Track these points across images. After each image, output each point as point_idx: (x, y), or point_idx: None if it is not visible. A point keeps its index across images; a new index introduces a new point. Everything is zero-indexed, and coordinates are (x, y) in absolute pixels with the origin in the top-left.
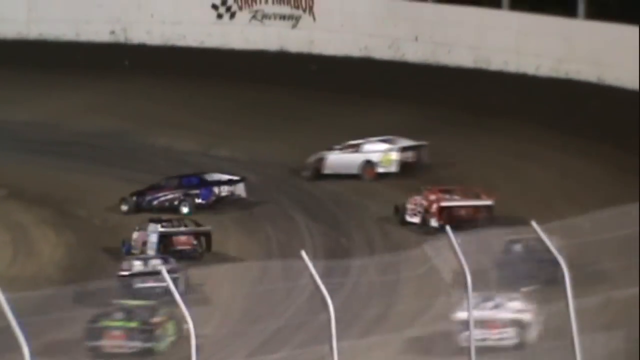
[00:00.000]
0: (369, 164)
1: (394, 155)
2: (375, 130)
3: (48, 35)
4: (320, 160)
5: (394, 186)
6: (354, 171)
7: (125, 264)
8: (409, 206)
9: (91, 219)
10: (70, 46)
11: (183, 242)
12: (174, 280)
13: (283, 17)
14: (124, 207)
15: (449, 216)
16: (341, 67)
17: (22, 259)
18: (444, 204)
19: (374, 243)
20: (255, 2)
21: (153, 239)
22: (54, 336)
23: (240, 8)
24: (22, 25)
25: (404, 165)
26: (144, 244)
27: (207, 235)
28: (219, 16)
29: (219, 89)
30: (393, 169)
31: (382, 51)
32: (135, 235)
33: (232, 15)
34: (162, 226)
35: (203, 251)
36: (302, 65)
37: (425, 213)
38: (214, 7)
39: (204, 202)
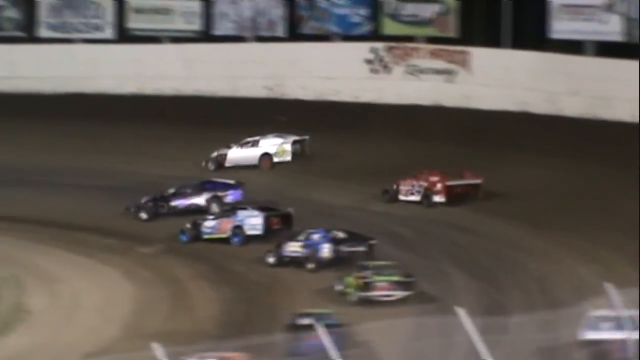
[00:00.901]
0: (266, 155)
1: (288, 147)
2: (531, 184)
3: (204, 91)
4: (222, 155)
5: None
6: (254, 162)
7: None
8: (403, 187)
9: (248, 274)
10: (226, 102)
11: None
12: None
13: (438, 72)
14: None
15: (451, 193)
16: (497, 122)
17: (179, 314)
18: (449, 183)
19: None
20: (410, 57)
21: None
22: None
23: (395, 63)
24: (179, 81)
25: (294, 155)
26: None
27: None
28: (373, 71)
29: (372, 143)
30: (288, 158)
31: (539, 105)
32: None
33: (387, 70)
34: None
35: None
36: (458, 119)
37: (427, 191)
38: (368, 62)
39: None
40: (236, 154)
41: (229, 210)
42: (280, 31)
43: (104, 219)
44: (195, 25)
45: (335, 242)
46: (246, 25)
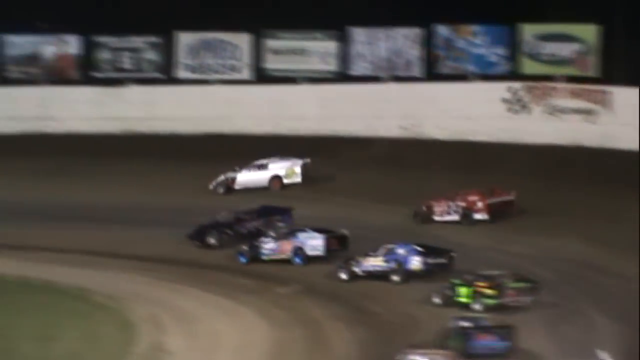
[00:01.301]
0: (276, 177)
1: (297, 169)
2: None
3: (340, 131)
4: (231, 179)
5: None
6: (263, 184)
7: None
8: (438, 208)
9: (386, 315)
10: (361, 141)
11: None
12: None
13: (578, 111)
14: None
15: (492, 210)
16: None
17: (316, 355)
18: (490, 201)
19: None
20: (549, 96)
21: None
22: None
23: (534, 102)
24: (316, 121)
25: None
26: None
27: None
28: (511, 110)
29: (510, 183)
30: (298, 179)
31: None
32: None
33: (525, 110)
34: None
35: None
36: (599, 160)
37: (466, 210)
38: (506, 101)
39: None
40: (246, 177)
41: (289, 232)
42: (416, 71)
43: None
44: (332, 66)
45: (422, 255)
46: (382, 66)
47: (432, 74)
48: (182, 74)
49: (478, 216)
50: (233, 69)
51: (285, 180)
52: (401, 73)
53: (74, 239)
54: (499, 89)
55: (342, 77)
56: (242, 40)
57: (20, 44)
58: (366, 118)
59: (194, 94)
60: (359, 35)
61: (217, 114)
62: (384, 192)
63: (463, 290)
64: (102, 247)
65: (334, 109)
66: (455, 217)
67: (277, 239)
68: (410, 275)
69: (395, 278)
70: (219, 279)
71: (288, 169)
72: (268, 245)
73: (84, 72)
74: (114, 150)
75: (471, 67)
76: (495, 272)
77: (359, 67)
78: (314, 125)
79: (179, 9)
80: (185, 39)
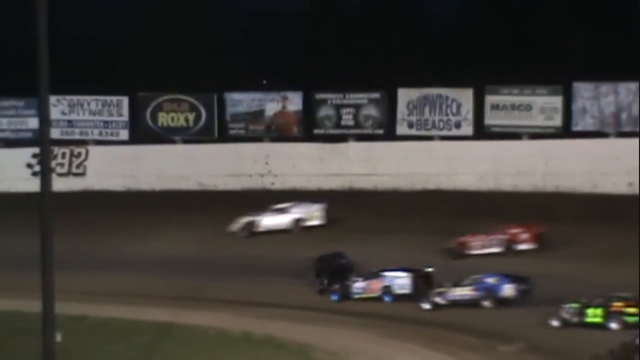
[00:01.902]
0: (298, 220)
1: (318, 212)
2: None
3: (564, 187)
4: (253, 223)
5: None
6: (286, 227)
7: None
8: (475, 243)
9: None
10: (584, 198)
11: None
12: None
13: None
14: None
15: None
16: None
17: None
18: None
19: None
20: None
21: None
22: None
23: None
24: (538, 177)
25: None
26: None
27: None
28: None
29: None
30: (318, 222)
31: None
32: None
33: None
34: None
35: None
36: None
37: (510, 243)
38: None
39: None
40: (269, 221)
41: (376, 272)
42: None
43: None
44: (555, 121)
45: (514, 282)
46: (608, 121)
47: None
48: (402, 129)
49: (522, 247)
50: (454, 124)
51: (308, 223)
52: (627, 128)
53: (291, 295)
54: None
55: (566, 132)
56: (464, 96)
57: (243, 101)
58: (591, 174)
59: (414, 150)
60: (585, 90)
61: (437, 170)
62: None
63: (596, 312)
64: (320, 304)
65: (558, 165)
66: (496, 250)
67: (366, 278)
68: (501, 302)
69: (486, 304)
70: (441, 336)
71: (309, 213)
72: (358, 285)
73: (306, 128)
74: (336, 206)
75: None
76: (622, 294)
77: (583, 123)
78: (536, 181)
79: (399, 64)
80: (406, 95)
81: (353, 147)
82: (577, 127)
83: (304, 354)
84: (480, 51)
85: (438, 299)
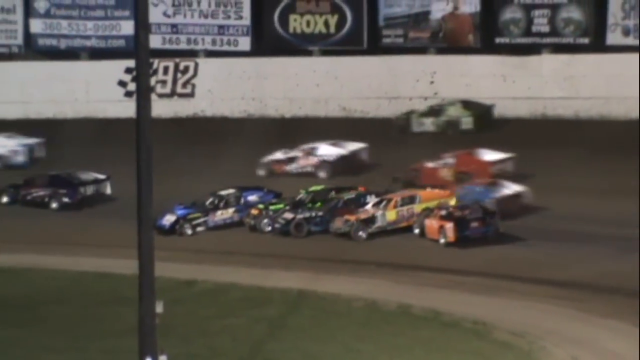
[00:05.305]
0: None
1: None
2: None
3: None
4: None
5: None
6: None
7: None
8: None
9: None
10: None
11: None
12: None
13: None
14: (4, 199)
15: None
16: None
17: None
18: None
19: None
20: None
21: None
22: None
23: None
24: None
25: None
26: None
27: None
28: None
29: None
30: None
31: None
32: None
33: None
34: None
35: None
36: None
37: None
38: None
39: (70, 200)
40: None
41: None
42: None
43: None
44: None
45: None
46: None
47: None
48: (614, 38)
49: None
50: None
51: None
52: None
53: (459, 257)
54: None
55: None
56: None
57: (402, 1)
58: None
59: (629, 66)
60: None
61: None
62: None
63: None
64: (497, 269)
65: None
66: None
67: None
68: None
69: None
70: None
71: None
72: None
73: (484, 36)
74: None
75: None
76: None
77: None
78: None
79: None
80: None
81: (548, 61)
82: None
83: (481, 334)
84: None
85: None
